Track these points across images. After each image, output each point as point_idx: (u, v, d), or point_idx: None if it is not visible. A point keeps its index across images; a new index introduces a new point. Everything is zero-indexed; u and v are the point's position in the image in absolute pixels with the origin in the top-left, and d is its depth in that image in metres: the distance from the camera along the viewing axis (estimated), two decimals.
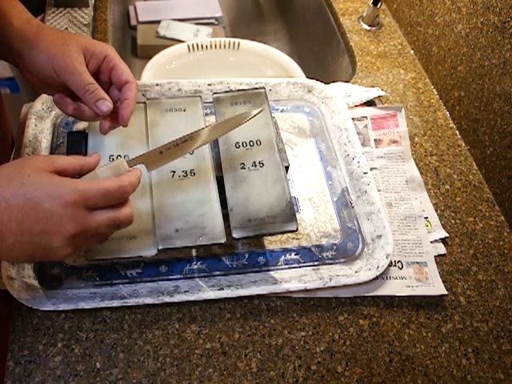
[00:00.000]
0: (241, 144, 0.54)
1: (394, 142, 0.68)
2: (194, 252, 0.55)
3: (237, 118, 0.50)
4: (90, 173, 0.42)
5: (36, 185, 0.37)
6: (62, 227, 0.38)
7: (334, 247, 0.57)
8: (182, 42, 0.91)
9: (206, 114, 0.59)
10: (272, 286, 0.52)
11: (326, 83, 0.72)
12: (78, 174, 0.42)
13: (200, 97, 0.58)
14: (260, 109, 0.52)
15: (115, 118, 0.48)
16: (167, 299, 0.50)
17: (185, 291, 0.51)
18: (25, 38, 0.47)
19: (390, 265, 0.57)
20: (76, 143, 0.55)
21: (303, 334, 0.52)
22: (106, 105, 0.46)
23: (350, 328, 0.53)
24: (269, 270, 0.54)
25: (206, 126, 0.49)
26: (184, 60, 0.87)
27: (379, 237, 0.56)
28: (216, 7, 1.08)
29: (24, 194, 0.37)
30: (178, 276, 0.53)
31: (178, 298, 0.50)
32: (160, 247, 0.47)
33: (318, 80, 0.71)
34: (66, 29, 0.76)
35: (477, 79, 0.69)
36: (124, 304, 0.49)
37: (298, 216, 0.58)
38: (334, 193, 0.62)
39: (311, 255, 0.56)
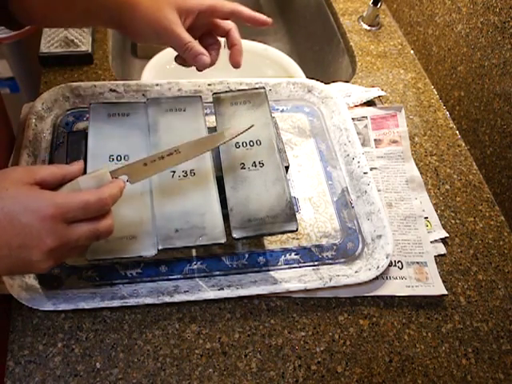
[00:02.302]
0: (241, 144, 0.54)
1: (394, 142, 0.68)
2: (194, 252, 0.55)
3: (227, 132, 0.50)
4: (72, 182, 0.41)
5: (14, 199, 0.37)
6: (41, 241, 0.37)
7: (334, 247, 0.57)
8: None
9: (206, 114, 0.59)
10: (272, 286, 0.52)
11: (326, 83, 0.72)
12: (60, 183, 0.41)
13: (200, 97, 0.58)
14: (250, 125, 0.52)
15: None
16: (167, 299, 0.50)
17: (185, 291, 0.51)
18: (122, 7, 0.49)
19: (390, 265, 0.57)
20: (76, 143, 0.55)
21: (303, 333, 0.52)
22: (204, 59, 0.51)
23: (350, 328, 0.53)
24: (269, 270, 0.54)
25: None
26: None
27: (379, 237, 0.56)
28: None
29: (1, 207, 0.36)
30: (178, 276, 0.53)
31: (177, 298, 0.50)
32: (160, 247, 0.47)
33: (318, 80, 0.71)
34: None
35: (477, 79, 0.69)
36: (124, 304, 0.49)
37: (298, 216, 0.58)
38: (334, 193, 0.62)
39: (311, 255, 0.56)
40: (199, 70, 0.52)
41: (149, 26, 0.49)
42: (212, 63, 0.54)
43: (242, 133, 0.50)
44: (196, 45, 0.50)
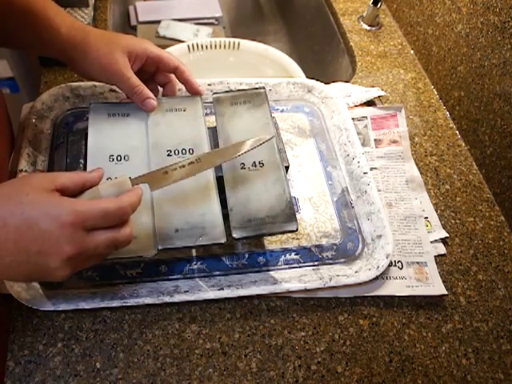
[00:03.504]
0: None
1: (394, 142, 0.68)
2: (194, 252, 0.55)
3: (249, 143, 0.50)
4: (92, 189, 0.41)
5: (34, 204, 0.37)
6: (60, 248, 0.37)
7: (334, 247, 0.57)
8: (182, 42, 0.91)
9: (206, 114, 0.59)
10: (272, 286, 0.52)
11: (326, 83, 0.72)
12: (80, 190, 0.41)
13: (200, 97, 0.58)
14: (272, 135, 0.52)
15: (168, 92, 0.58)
16: (167, 299, 0.50)
17: (185, 291, 0.51)
18: (75, 46, 0.51)
19: (390, 265, 0.57)
20: (76, 143, 0.55)
21: (303, 333, 0.52)
22: (151, 103, 0.53)
23: (350, 328, 0.53)
24: (269, 270, 0.54)
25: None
26: (184, 60, 0.86)
27: (379, 237, 0.56)
28: (216, 7, 1.08)
29: (21, 213, 0.36)
30: (178, 276, 0.53)
31: (178, 298, 0.50)
32: (160, 247, 0.47)
33: (318, 80, 0.71)
34: None
35: (477, 79, 0.69)
36: (124, 304, 0.49)
37: (298, 216, 0.58)
38: (334, 193, 0.62)
39: (311, 255, 0.56)
40: (147, 111, 0.54)
41: (100, 68, 0.51)
42: (173, 93, 0.58)
43: (263, 142, 0.50)
44: (144, 89, 0.52)
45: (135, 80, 0.52)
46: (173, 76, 0.57)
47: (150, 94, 0.53)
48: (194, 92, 0.57)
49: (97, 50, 0.51)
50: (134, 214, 0.48)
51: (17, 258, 0.37)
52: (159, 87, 0.59)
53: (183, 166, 0.47)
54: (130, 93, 0.52)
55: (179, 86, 0.66)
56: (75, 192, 0.41)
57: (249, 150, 0.50)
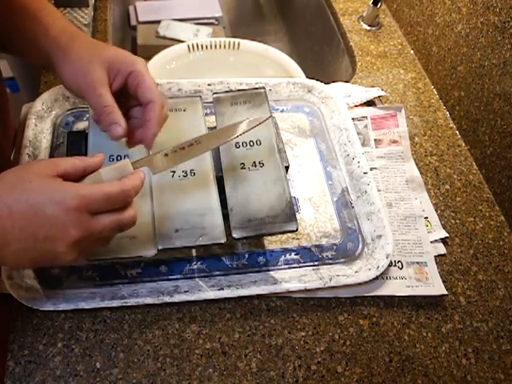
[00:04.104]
0: (241, 144, 0.54)
1: (394, 142, 0.68)
2: (194, 252, 0.55)
3: (246, 123, 0.49)
4: (94, 173, 0.42)
5: (38, 190, 0.37)
6: (66, 232, 0.38)
7: (334, 247, 0.57)
8: (182, 41, 0.91)
9: (206, 114, 0.59)
10: (272, 286, 0.52)
11: (326, 83, 0.72)
12: (82, 175, 0.41)
13: (200, 97, 0.58)
14: (268, 116, 0.52)
15: (141, 134, 0.48)
16: (167, 299, 0.50)
17: (185, 291, 0.51)
18: (57, 49, 0.47)
19: (390, 265, 0.57)
20: (76, 143, 0.55)
21: (303, 333, 0.52)
22: (117, 130, 0.45)
23: (350, 328, 0.53)
24: (269, 270, 0.54)
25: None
26: (184, 60, 0.87)
27: (379, 237, 0.56)
28: (216, 7, 1.08)
29: (26, 200, 0.37)
30: (178, 276, 0.53)
31: (178, 298, 0.50)
32: (160, 247, 0.47)
33: (318, 80, 0.71)
34: None
35: (477, 79, 0.69)
36: (124, 304, 0.49)
37: (298, 216, 0.58)
38: (334, 193, 0.62)
39: (311, 255, 0.56)
40: (112, 139, 0.46)
41: (73, 77, 0.46)
42: (155, 115, 0.47)
43: (260, 123, 0.50)
44: (115, 111, 0.45)
45: (108, 99, 0.45)
46: (149, 118, 0.46)
47: (120, 120, 0.45)
48: (144, 137, 0.47)
49: (78, 58, 0.46)
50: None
51: (24, 245, 0.37)
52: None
53: (183, 148, 0.46)
54: (97, 111, 0.45)
55: (179, 85, 0.66)
56: (77, 177, 0.41)
57: (247, 131, 0.49)
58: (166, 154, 0.46)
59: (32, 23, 0.49)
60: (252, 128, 0.49)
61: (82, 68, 0.46)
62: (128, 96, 0.48)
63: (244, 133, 0.49)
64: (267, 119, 0.51)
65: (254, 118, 0.50)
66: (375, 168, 0.66)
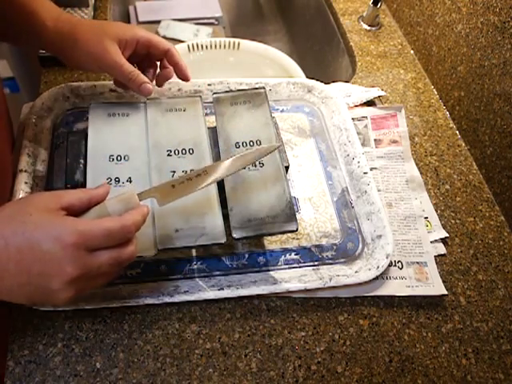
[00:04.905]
0: (241, 144, 0.54)
1: (394, 142, 0.68)
2: (193, 252, 0.55)
3: (255, 153, 0.49)
4: (99, 205, 0.41)
5: (36, 224, 0.37)
6: (62, 269, 0.37)
7: (334, 247, 0.57)
8: (182, 41, 0.91)
9: (206, 114, 0.59)
10: (272, 286, 0.52)
11: (326, 83, 0.72)
12: (87, 207, 0.41)
13: (200, 97, 0.58)
14: (278, 144, 0.52)
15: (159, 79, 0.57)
16: (167, 299, 0.50)
17: (185, 291, 0.51)
18: (63, 37, 0.51)
19: (390, 265, 0.57)
20: (76, 143, 0.55)
21: (303, 333, 0.52)
22: (148, 87, 0.52)
23: (350, 328, 0.53)
24: (269, 270, 0.54)
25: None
26: (184, 60, 0.87)
27: (379, 237, 0.56)
28: (216, 7, 1.08)
29: (23, 233, 0.36)
30: (178, 276, 0.53)
31: (178, 298, 0.50)
32: (160, 247, 0.47)
33: (318, 80, 0.71)
34: None
35: (477, 79, 0.69)
36: (124, 304, 0.49)
37: (298, 216, 0.58)
38: (334, 193, 0.62)
39: (311, 255, 0.56)
40: (144, 96, 0.54)
41: (91, 59, 0.51)
42: (168, 78, 0.56)
43: (270, 152, 0.49)
44: (139, 74, 0.52)
45: (128, 66, 0.51)
46: (165, 61, 0.56)
47: (146, 79, 0.52)
48: (182, 76, 0.56)
49: (86, 40, 0.50)
50: None
51: (18, 280, 0.36)
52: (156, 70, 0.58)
53: (190, 179, 0.46)
54: (125, 79, 0.52)
55: (179, 85, 0.66)
56: (81, 209, 0.40)
57: (256, 160, 0.49)
58: (173, 186, 0.45)
59: (28, 17, 0.50)
60: (261, 157, 0.49)
61: (95, 48, 0.50)
62: (135, 58, 0.55)
63: (253, 163, 0.49)
64: (277, 148, 0.50)
65: (263, 146, 0.49)
66: (375, 168, 0.66)
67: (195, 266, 0.54)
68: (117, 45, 0.51)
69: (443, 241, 0.61)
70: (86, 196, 0.41)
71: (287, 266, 0.55)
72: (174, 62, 0.55)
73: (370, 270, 0.54)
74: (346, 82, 0.77)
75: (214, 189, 0.51)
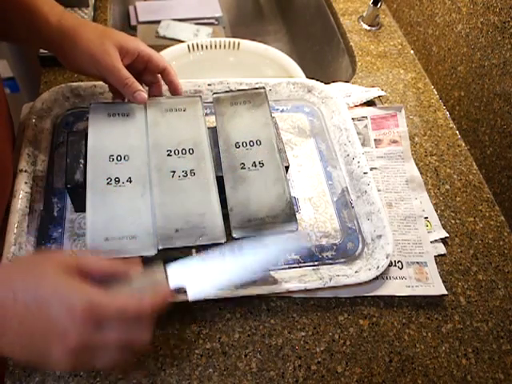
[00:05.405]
0: (241, 144, 0.54)
1: (394, 142, 0.68)
2: (194, 252, 0.55)
3: None
4: (126, 279, 0.39)
5: (50, 285, 0.35)
6: (65, 338, 0.34)
7: (334, 247, 0.57)
8: (182, 41, 0.91)
9: (206, 114, 0.59)
10: (272, 286, 0.52)
11: (326, 83, 0.72)
12: (110, 278, 0.38)
13: (200, 97, 0.58)
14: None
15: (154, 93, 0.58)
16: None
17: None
18: (64, 35, 0.50)
19: (390, 265, 0.57)
20: (76, 143, 0.55)
21: (303, 333, 0.52)
22: (142, 95, 0.52)
23: (350, 328, 0.53)
24: (269, 270, 0.54)
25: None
26: (184, 60, 0.87)
27: (379, 237, 0.56)
28: (216, 7, 1.08)
29: (35, 291, 0.34)
30: None
31: (177, 298, 0.50)
32: (160, 247, 0.47)
33: (318, 80, 0.71)
34: None
35: (477, 79, 0.69)
36: None
37: (298, 216, 0.58)
38: (334, 193, 0.62)
39: (311, 255, 0.56)
40: (139, 103, 0.54)
41: (89, 60, 0.51)
42: (159, 94, 0.58)
43: None
44: (134, 81, 0.52)
45: (126, 72, 0.52)
46: (159, 77, 0.57)
47: (141, 87, 0.53)
48: (175, 92, 0.58)
49: (87, 41, 0.50)
50: (134, 214, 0.49)
51: (20, 339, 0.35)
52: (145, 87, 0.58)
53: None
54: (121, 84, 0.52)
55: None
56: (103, 279, 0.38)
57: None
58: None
59: (30, 13, 0.50)
60: None
61: (96, 50, 0.50)
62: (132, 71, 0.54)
63: None
64: None
65: None
66: (375, 168, 0.66)
67: None
68: (117, 51, 0.51)
69: (443, 241, 0.61)
70: (110, 269, 0.38)
71: (287, 266, 0.55)
72: (168, 80, 0.56)
73: (370, 270, 0.54)
74: (346, 81, 0.77)
75: (214, 189, 0.51)
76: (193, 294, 0.42)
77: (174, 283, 0.41)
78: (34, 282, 0.35)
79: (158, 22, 1.02)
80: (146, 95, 0.53)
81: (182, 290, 0.41)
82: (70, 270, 0.36)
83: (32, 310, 0.34)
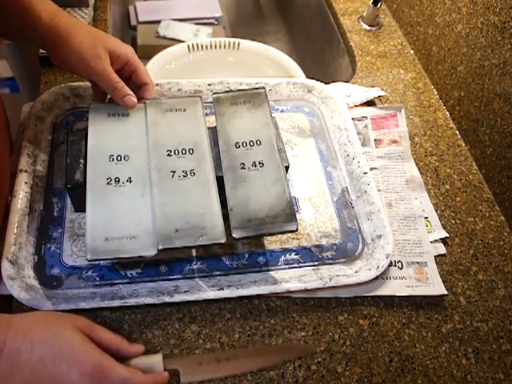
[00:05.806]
0: (241, 144, 0.54)
1: (394, 142, 0.68)
2: (193, 252, 0.55)
3: (290, 351, 0.50)
4: (126, 359, 0.43)
5: (68, 340, 0.38)
6: None
7: (334, 247, 0.57)
8: (182, 41, 0.91)
9: (206, 114, 0.59)
10: (272, 286, 0.52)
11: (326, 83, 0.72)
12: (113, 352, 0.42)
13: (200, 97, 0.58)
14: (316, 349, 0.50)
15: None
16: (167, 299, 0.50)
17: (185, 291, 0.51)
18: (56, 35, 0.51)
19: (390, 265, 0.57)
20: (76, 143, 0.55)
21: (303, 333, 0.52)
22: (132, 100, 0.53)
23: (350, 328, 0.53)
24: (269, 270, 0.54)
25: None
26: (184, 60, 0.87)
27: (379, 237, 0.56)
28: (216, 7, 1.08)
29: (52, 345, 0.37)
30: (178, 276, 0.53)
31: (178, 298, 0.50)
32: (160, 247, 0.47)
33: (318, 80, 0.71)
34: None
35: (477, 79, 0.69)
36: (124, 304, 0.49)
37: (298, 216, 0.58)
38: (334, 193, 0.62)
39: (311, 255, 0.56)
40: (128, 108, 0.54)
41: (80, 61, 0.51)
42: (150, 96, 0.57)
43: (305, 355, 0.50)
44: (124, 86, 0.53)
45: (116, 76, 0.52)
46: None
47: (130, 92, 0.53)
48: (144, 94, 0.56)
49: (80, 42, 0.50)
50: (134, 214, 0.49)
51: None
52: None
53: (218, 361, 0.47)
54: (111, 88, 0.52)
55: (179, 85, 0.66)
56: (108, 351, 0.41)
57: (291, 361, 0.49)
58: (201, 363, 0.46)
59: (23, 9, 0.50)
60: (294, 359, 0.50)
61: (88, 52, 0.50)
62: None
63: (291, 360, 0.49)
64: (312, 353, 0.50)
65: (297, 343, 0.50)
66: (375, 168, 0.66)
67: (195, 266, 0.54)
68: (108, 55, 0.52)
69: (443, 241, 0.61)
70: (117, 343, 0.43)
71: (287, 266, 0.55)
72: (143, 96, 0.56)
73: (370, 270, 0.54)
74: (346, 82, 0.77)
75: (214, 189, 0.51)
76: (186, 379, 0.45)
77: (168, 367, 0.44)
78: (53, 338, 0.38)
79: (158, 22, 1.02)
80: (135, 100, 0.53)
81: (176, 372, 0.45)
82: (85, 331, 0.40)
83: (45, 363, 0.37)
